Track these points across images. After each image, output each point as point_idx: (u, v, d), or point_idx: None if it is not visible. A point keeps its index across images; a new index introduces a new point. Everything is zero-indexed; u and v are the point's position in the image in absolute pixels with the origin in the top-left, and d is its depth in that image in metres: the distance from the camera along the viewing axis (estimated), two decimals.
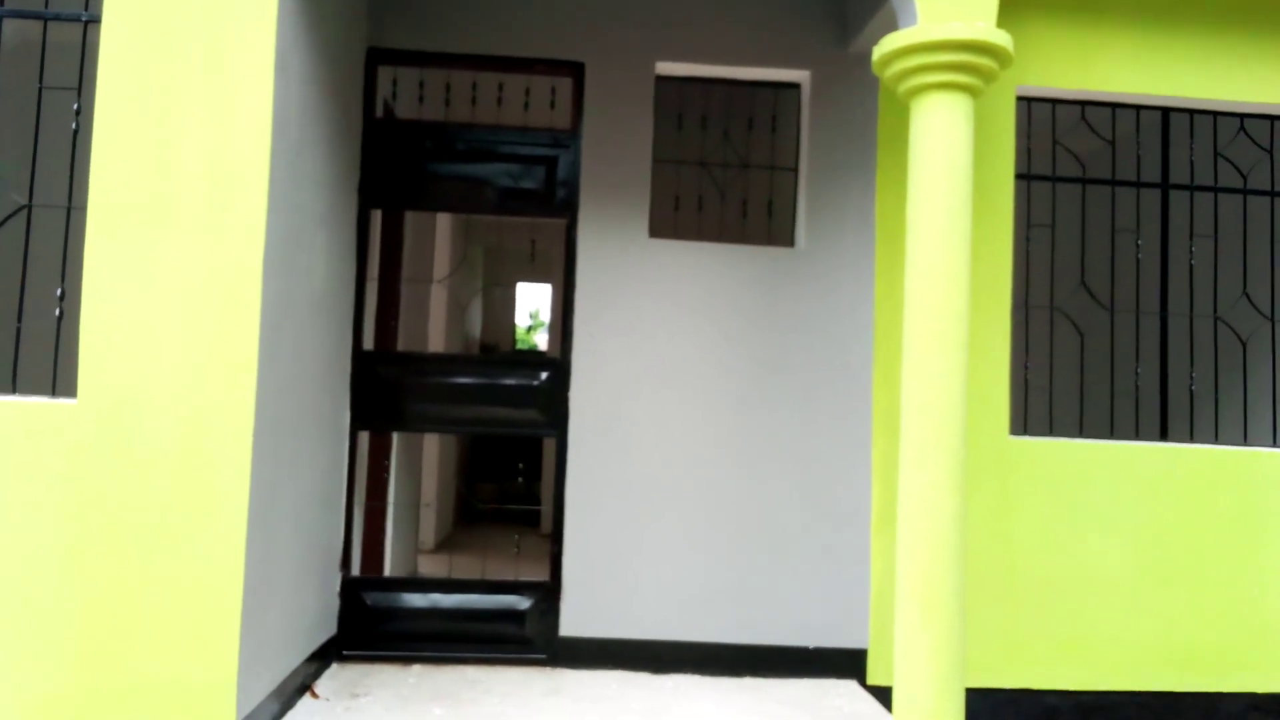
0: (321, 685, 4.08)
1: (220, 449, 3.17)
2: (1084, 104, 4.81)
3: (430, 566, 6.63)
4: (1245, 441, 4.88)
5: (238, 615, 3.11)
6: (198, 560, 3.14)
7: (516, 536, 5.01)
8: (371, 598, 4.54)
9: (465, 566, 5.21)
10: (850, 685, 4.47)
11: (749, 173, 5.04)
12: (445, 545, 7.87)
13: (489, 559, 5.62)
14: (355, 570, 4.88)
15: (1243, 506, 4.60)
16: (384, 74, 4.82)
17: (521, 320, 16.80)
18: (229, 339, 3.21)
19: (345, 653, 4.48)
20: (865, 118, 4.73)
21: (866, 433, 4.63)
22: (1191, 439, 4.77)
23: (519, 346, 15.72)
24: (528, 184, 4.72)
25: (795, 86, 4.87)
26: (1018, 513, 4.54)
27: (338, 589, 4.49)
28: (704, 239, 4.80)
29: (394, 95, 4.84)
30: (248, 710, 3.24)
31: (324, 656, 4.29)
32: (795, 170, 4.84)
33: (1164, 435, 4.78)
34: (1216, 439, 4.86)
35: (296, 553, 3.78)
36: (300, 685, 3.91)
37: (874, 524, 4.57)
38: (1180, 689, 4.56)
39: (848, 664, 4.55)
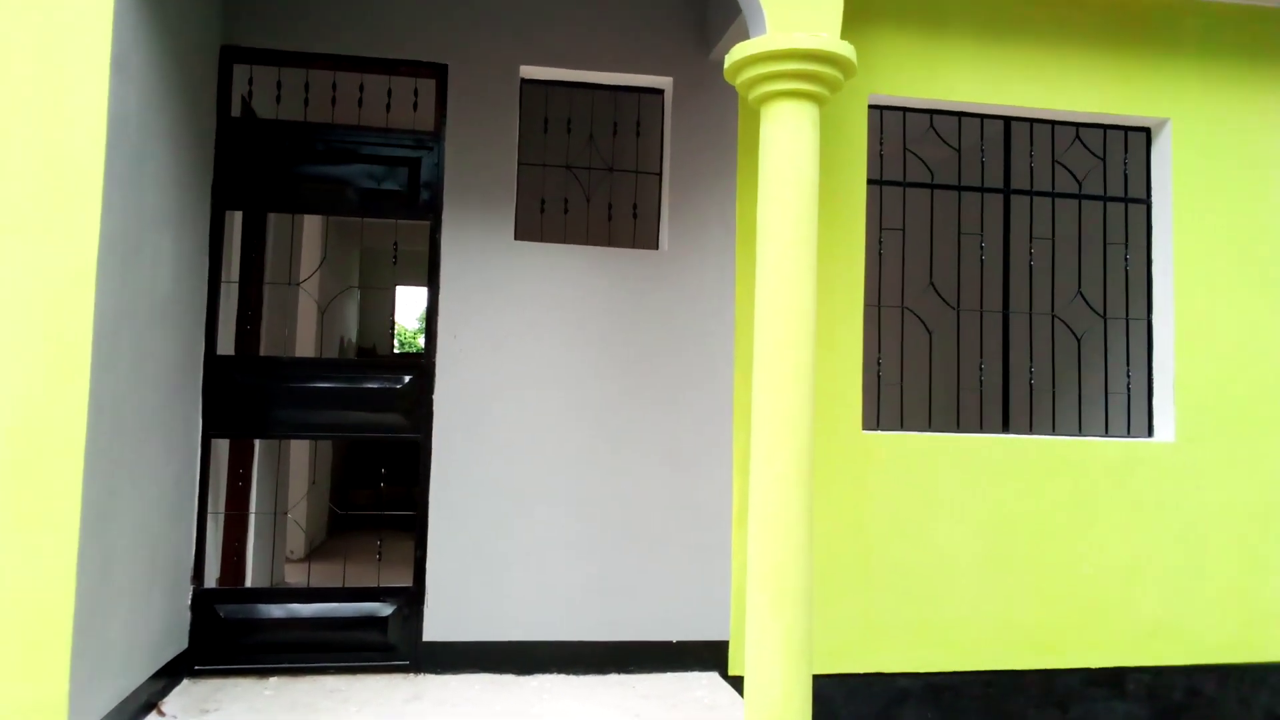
0: (170, 702, 3.95)
1: (51, 459, 3.04)
2: (932, 113, 5.04)
3: (299, 576, 6.46)
4: (1080, 432, 5.19)
5: (69, 631, 2.99)
6: (26, 574, 3.00)
7: (379, 542, 4.92)
8: (225, 610, 4.41)
9: (335, 575, 5.11)
10: (712, 677, 4.58)
11: (614, 176, 5.09)
12: (317, 554, 7.69)
13: (357, 566, 5.52)
14: (213, 582, 4.74)
15: (1077, 493, 4.90)
16: (240, 73, 4.69)
17: (411, 324, 16.54)
18: (60, 345, 3.08)
19: (198, 668, 4.33)
20: (726, 123, 4.85)
21: (728, 430, 4.74)
22: (1031, 430, 5.06)
23: (406, 349, 15.46)
24: (390, 186, 4.67)
25: (659, 92, 4.95)
26: (872, 503, 4.73)
27: (188, 602, 4.34)
28: (570, 242, 4.84)
29: (250, 94, 4.72)
30: None
31: (174, 672, 4.14)
32: (659, 174, 4.92)
33: (1006, 427, 5.05)
34: (1054, 430, 5.16)
35: (140, 565, 3.65)
36: (146, 703, 3.77)
37: (735, 519, 4.69)
38: (1022, 667, 4.83)
39: (711, 656, 4.65)
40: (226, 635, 4.41)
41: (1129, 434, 5.13)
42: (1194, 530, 4.98)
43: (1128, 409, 5.17)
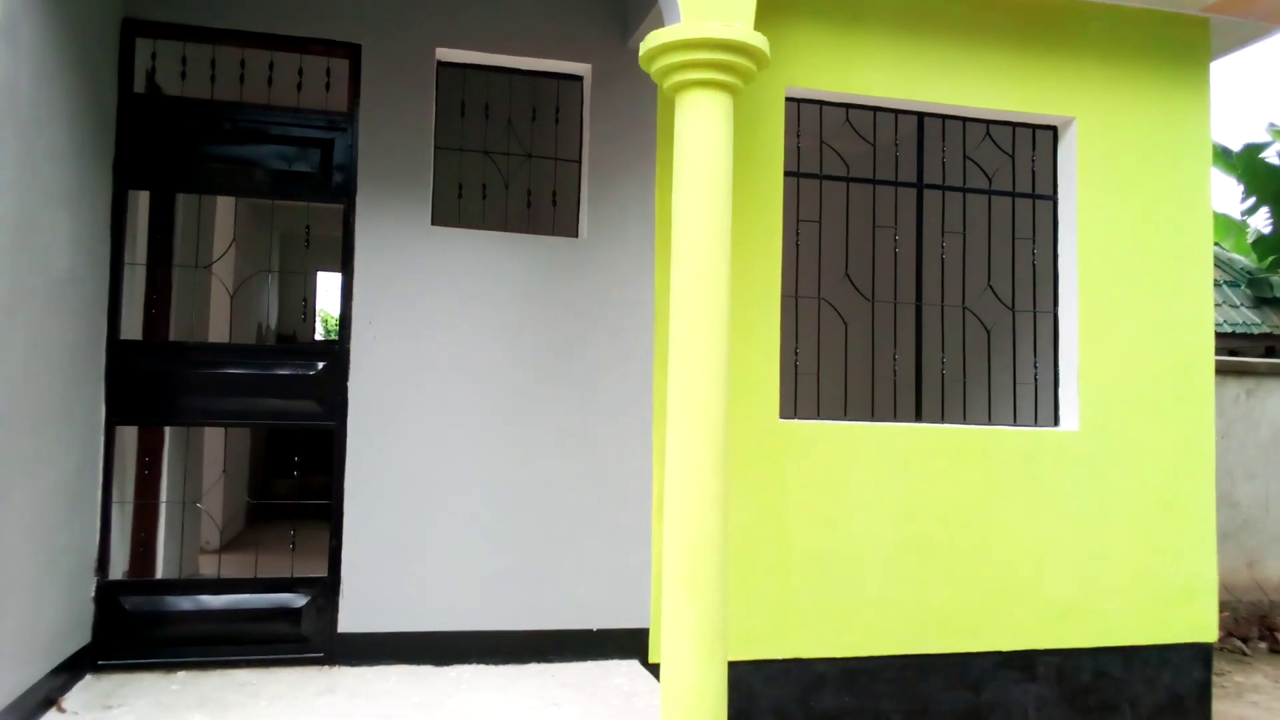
0: (71, 698, 3.83)
1: None
2: (848, 107, 5.11)
3: (213, 568, 6.30)
4: (990, 421, 5.33)
5: None
6: None
7: (291, 532, 4.83)
8: (131, 602, 4.28)
9: (250, 566, 5.00)
10: (632, 664, 4.60)
11: (533, 163, 5.06)
12: (234, 545, 7.52)
13: (273, 556, 5.41)
14: (120, 574, 4.60)
15: (988, 480, 5.04)
16: (144, 48, 4.54)
17: (336, 310, 16.20)
18: None
19: (101, 662, 4.20)
20: (645, 111, 4.85)
21: (648, 419, 4.76)
22: (943, 419, 5.18)
23: (330, 337, 15.18)
24: (302, 167, 4.57)
25: (578, 79, 4.93)
26: (789, 491, 4.80)
27: (91, 594, 4.21)
28: (488, 228, 4.80)
29: (153, 70, 4.57)
30: None
31: (76, 667, 4.01)
32: (579, 162, 4.91)
33: (919, 416, 5.17)
34: (965, 419, 5.30)
35: (36, 557, 3.53)
36: (45, 699, 3.65)
37: (655, 507, 4.71)
38: (937, 651, 4.95)
39: (631, 644, 4.68)
40: (132, 629, 4.28)
41: (1036, 423, 5.29)
42: (1098, 516, 5.16)
43: (1035, 399, 5.33)
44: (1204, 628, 5.27)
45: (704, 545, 3.55)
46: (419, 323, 4.57)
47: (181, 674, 4.22)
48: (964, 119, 5.29)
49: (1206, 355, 5.35)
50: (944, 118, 5.27)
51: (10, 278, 3.19)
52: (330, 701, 3.94)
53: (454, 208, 4.96)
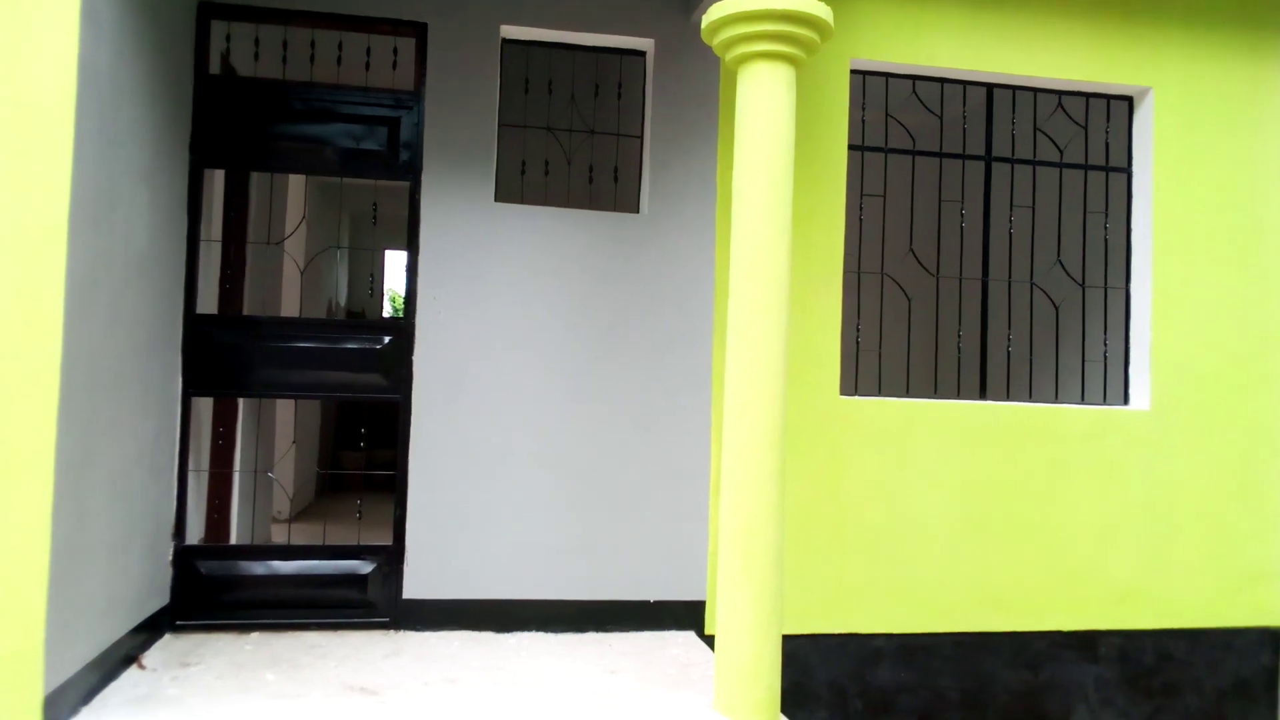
0: (151, 655, 4.00)
1: (24, 412, 3.05)
2: (915, 79, 5.03)
3: (285, 536, 6.51)
4: (1056, 400, 5.23)
5: (44, 582, 3.02)
6: (1, 526, 3.03)
7: (359, 501, 4.96)
8: (207, 566, 4.45)
9: (321, 535, 5.17)
10: (688, 636, 4.64)
11: (595, 139, 5.08)
12: (305, 515, 7.75)
13: (342, 526, 5.57)
14: (197, 539, 4.78)
15: (1052, 459, 4.95)
16: (218, 30, 4.66)
17: (404, 288, 16.48)
18: (32, 297, 3.08)
19: (179, 623, 4.39)
20: (708, 86, 4.83)
21: (707, 394, 4.77)
22: (1008, 397, 5.10)
23: (398, 314, 15.45)
24: (370, 145, 4.66)
25: (640, 54, 4.93)
26: (848, 468, 4.78)
27: (170, 558, 4.39)
28: (550, 204, 4.84)
29: (228, 52, 4.69)
30: (60, 681, 3.16)
31: (156, 627, 4.19)
32: (641, 137, 4.91)
33: (983, 394, 5.09)
34: (1030, 397, 5.20)
35: (118, 520, 3.69)
36: (126, 656, 3.82)
37: (712, 482, 4.73)
38: (994, 629, 4.91)
39: (687, 616, 4.72)
40: (208, 591, 4.46)
41: (1105, 402, 5.18)
42: (1166, 497, 5.05)
43: (1104, 377, 5.21)
44: (1272, 611, 5.14)
45: (760, 519, 3.55)
46: (482, 298, 4.64)
47: (255, 635, 4.38)
48: (1035, 90, 5.16)
49: None
50: (1014, 89, 5.16)
51: (92, 249, 3.33)
52: (396, 663, 4.06)
53: (517, 184, 5.02)
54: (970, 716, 4.87)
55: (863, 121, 4.99)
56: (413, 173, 4.64)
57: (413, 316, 4.61)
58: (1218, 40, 5.15)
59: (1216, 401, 5.09)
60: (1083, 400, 5.18)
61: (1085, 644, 4.99)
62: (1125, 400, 5.14)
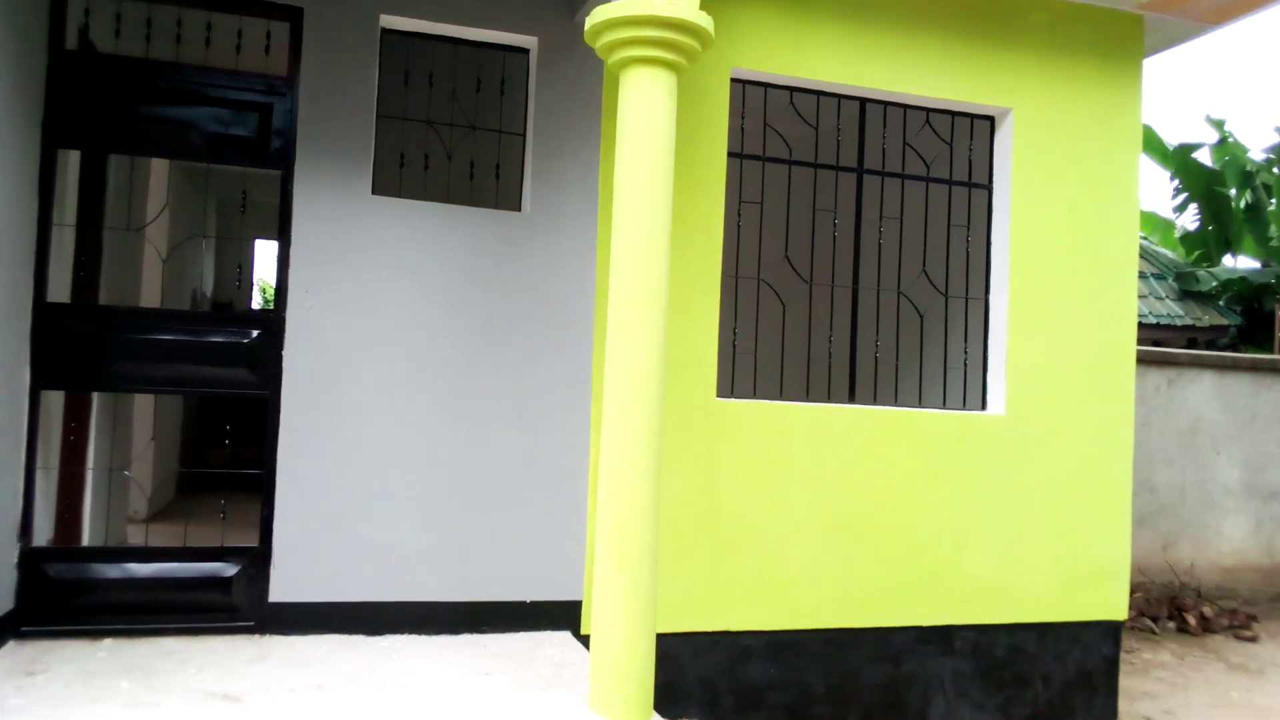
0: None
1: None
2: (793, 90, 5.17)
3: (142, 537, 6.20)
4: (920, 404, 5.47)
5: None
6: None
7: (222, 501, 4.78)
8: (55, 569, 4.21)
9: (180, 536, 4.94)
10: (564, 636, 4.65)
11: (477, 135, 5.03)
12: (164, 514, 7.40)
13: (204, 526, 5.34)
14: (44, 541, 4.51)
15: (915, 461, 5.17)
16: (76, 3, 4.41)
17: (272, 278, 15.91)
18: None
19: (25, 629, 4.13)
20: (591, 87, 4.85)
21: (587, 393, 4.79)
22: (875, 401, 5.30)
23: (268, 306, 14.92)
24: (239, 131, 4.49)
25: (524, 51, 4.91)
26: (723, 468, 4.88)
27: (15, 560, 4.13)
28: (430, 199, 4.76)
29: (86, 27, 4.44)
30: None
31: None
32: (523, 135, 4.89)
33: (852, 397, 5.28)
34: (896, 401, 5.42)
35: None
36: None
37: (591, 482, 4.75)
38: (859, 625, 5.09)
39: (564, 616, 4.72)
40: (57, 596, 4.21)
41: (965, 407, 5.44)
42: (1019, 498, 5.34)
43: (964, 383, 5.47)
44: (1115, 607, 5.50)
45: (635, 518, 3.60)
46: (357, 292, 4.53)
47: (108, 641, 4.16)
48: (905, 106, 5.38)
49: (1129, 345, 5.55)
50: (885, 104, 5.36)
51: None
52: (261, 669, 3.93)
53: (396, 177, 4.91)
54: (836, 710, 5.05)
55: (742, 130, 5.09)
56: (285, 161, 4.49)
57: (283, 309, 4.46)
58: (1073, 66, 5.48)
59: (1066, 408, 5.41)
60: (944, 405, 5.43)
61: (943, 639, 5.23)
62: (984, 405, 5.41)
